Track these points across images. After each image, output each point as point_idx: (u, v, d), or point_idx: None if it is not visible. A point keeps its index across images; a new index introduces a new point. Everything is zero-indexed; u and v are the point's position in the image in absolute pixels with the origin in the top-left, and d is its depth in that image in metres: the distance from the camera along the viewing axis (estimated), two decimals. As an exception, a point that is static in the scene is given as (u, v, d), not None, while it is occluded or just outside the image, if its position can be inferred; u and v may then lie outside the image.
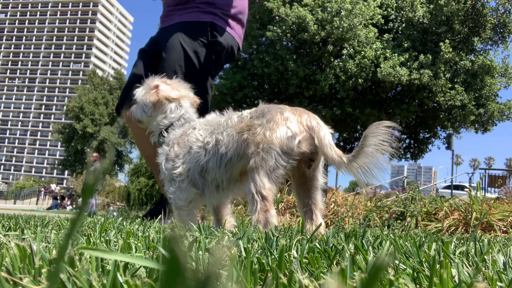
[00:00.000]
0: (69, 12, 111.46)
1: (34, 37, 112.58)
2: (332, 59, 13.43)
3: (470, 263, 0.95)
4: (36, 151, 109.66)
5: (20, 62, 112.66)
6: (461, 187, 18.34)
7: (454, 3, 12.94)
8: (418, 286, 0.71)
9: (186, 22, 3.00)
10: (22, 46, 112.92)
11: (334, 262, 0.86)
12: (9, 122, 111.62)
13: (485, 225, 3.43)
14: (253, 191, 1.77)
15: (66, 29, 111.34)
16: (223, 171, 1.94)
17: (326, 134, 1.80)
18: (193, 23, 2.98)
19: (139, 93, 2.32)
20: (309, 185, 1.93)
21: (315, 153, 1.84)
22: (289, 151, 1.77)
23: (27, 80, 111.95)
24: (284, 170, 1.79)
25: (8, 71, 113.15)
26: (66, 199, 23.89)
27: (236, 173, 1.95)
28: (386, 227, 3.69)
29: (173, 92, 2.22)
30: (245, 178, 1.95)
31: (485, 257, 1.04)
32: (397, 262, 0.85)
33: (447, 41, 12.91)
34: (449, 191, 14.99)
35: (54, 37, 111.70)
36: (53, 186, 39.62)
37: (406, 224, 3.66)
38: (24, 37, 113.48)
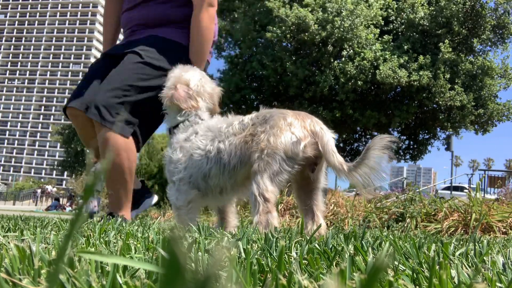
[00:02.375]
0: (68, 13, 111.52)
1: (33, 38, 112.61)
2: (332, 60, 13.43)
3: (470, 264, 0.95)
4: (36, 152, 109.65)
5: (19, 63, 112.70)
6: (461, 188, 18.36)
7: (454, 5, 12.94)
8: (417, 287, 0.71)
9: (165, 39, 2.73)
10: (22, 47, 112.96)
11: (334, 263, 0.86)
12: (9, 123, 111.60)
13: (484, 226, 3.43)
14: (256, 193, 1.77)
15: (66, 30, 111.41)
16: (226, 177, 1.94)
17: (329, 140, 1.81)
18: (171, 42, 2.73)
19: (170, 79, 2.21)
20: (311, 187, 1.93)
21: (319, 157, 1.84)
22: (294, 156, 1.77)
23: (26, 81, 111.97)
24: (288, 175, 1.80)
25: (8, 72, 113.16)
26: (66, 200, 23.94)
27: (240, 178, 1.95)
28: (385, 228, 3.69)
29: (186, 102, 2.12)
30: (249, 182, 1.95)
31: (484, 258, 1.04)
32: (396, 263, 0.85)
33: (446, 41, 12.92)
34: (449, 192, 15.00)
35: (54, 38, 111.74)
36: (49, 188, 39.58)
37: (405, 225, 3.66)
38: (23, 38, 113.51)
